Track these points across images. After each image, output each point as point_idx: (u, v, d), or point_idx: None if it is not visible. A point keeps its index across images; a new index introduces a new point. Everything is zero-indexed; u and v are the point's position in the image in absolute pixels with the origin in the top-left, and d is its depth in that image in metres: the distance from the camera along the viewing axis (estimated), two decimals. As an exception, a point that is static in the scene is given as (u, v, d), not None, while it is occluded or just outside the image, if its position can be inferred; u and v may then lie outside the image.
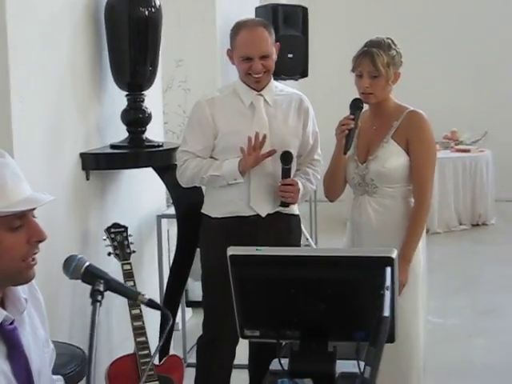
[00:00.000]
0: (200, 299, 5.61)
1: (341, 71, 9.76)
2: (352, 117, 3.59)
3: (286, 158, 3.68)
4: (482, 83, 10.52)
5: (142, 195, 4.61)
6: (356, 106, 3.62)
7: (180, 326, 5.30)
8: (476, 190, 9.29)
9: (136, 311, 3.61)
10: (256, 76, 3.68)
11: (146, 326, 3.66)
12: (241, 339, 2.69)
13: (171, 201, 5.37)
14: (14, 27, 3.17)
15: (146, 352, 3.59)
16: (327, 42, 10.09)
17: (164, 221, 4.91)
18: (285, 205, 3.76)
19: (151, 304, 2.01)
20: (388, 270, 2.06)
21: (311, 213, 8.18)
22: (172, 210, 5.00)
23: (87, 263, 2.01)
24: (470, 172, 9.24)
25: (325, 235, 8.17)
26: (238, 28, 3.73)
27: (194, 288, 5.90)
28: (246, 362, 4.34)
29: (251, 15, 7.01)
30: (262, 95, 3.76)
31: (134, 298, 2.02)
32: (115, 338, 4.27)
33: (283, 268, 2.56)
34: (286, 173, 3.71)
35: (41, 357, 2.12)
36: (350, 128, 3.58)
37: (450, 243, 8.36)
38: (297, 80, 7.01)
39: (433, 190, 3.74)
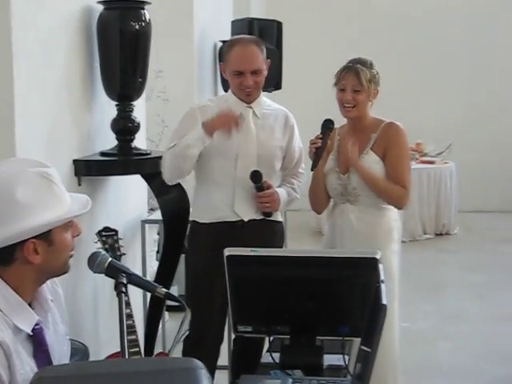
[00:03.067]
0: (176, 304, 5.84)
1: (312, 84, 10.14)
2: (320, 136, 3.80)
3: (256, 176, 3.86)
4: (447, 96, 10.80)
5: (126, 201, 4.78)
6: (326, 126, 3.83)
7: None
8: (440, 200, 9.54)
9: (127, 310, 3.76)
10: (247, 90, 3.88)
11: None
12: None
13: (151, 207, 5.57)
14: (17, 41, 3.33)
15: (137, 349, 3.75)
16: (300, 55, 10.31)
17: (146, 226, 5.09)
18: (267, 215, 3.96)
19: (168, 296, 2.21)
20: (381, 266, 2.27)
21: (281, 221, 8.35)
22: (154, 216, 5.20)
23: (110, 259, 2.22)
24: (434, 183, 9.48)
25: (294, 243, 8.36)
26: (232, 44, 3.93)
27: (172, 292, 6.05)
28: (225, 363, 4.55)
29: (227, 29, 7.22)
30: (251, 107, 3.95)
31: (152, 291, 2.22)
32: (102, 338, 4.44)
33: (276, 268, 2.77)
34: (258, 190, 3.89)
35: (60, 351, 2.28)
36: (317, 147, 3.79)
37: (414, 251, 8.58)
38: (270, 92, 7.17)
39: (410, 185, 3.91)
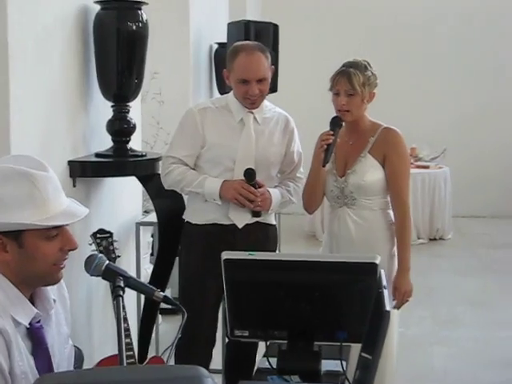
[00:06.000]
0: (169, 307, 5.80)
1: (308, 87, 10.13)
2: (332, 132, 3.78)
3: (249, 175, 3.83)
4: (441, 101, 10.80)
5: (121, 203, 4.74)
6: (335, 123, 3.81)
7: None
8: (434, 205, 9.53)
9: (122, 313, 3.71)
10: (252, 98, 3.83)
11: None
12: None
13: (145, 209, 5.53)
14: (13, 41, 3.28)
15: (131, 353, 3.71)
16: (296, 58, 10.30)
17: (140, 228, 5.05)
18: (256, 214, 3.92)
19: (166, 300, 2.18)
20: (382, 271, 2.24)
21: (275, 225, 8.32)
22: (149, 218, 5.16)
23: (107, 262, 2.18)
24: (428, 188, 9.47)
25: (287, 247, 8.33)
26: (237, 51, 3.85)
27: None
28: (219, 367, 4.51)
29: (223, 31, 7.19)
30: (252, 113, 3.91)
31: (150, 295, 2.19)
32: (95, 341, 4.40)
33: (274, 272, 2.74)
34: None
35: (61, 352, 2.27)
36: (328, 143, 3.78)
37: (408, 256, 8.54)
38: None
39: (409, 195, 3.91)
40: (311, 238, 9.44)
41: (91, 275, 2.21)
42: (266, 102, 4.00)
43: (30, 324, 2.13)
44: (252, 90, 3.80)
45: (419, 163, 9.62)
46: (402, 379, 4.68)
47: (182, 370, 1.29)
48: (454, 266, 8.39)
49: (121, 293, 2.11)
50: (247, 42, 4.27)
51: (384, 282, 2.09)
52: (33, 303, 2.17)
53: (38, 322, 2.16)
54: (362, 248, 3.75)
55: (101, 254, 2.20)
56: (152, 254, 6.03)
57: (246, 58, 3.81)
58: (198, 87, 7.31)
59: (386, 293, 1.98)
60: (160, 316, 5.95)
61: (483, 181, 10.75)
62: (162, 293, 2.18)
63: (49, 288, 2.24)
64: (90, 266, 2.20)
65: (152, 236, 5.94)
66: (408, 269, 3.81)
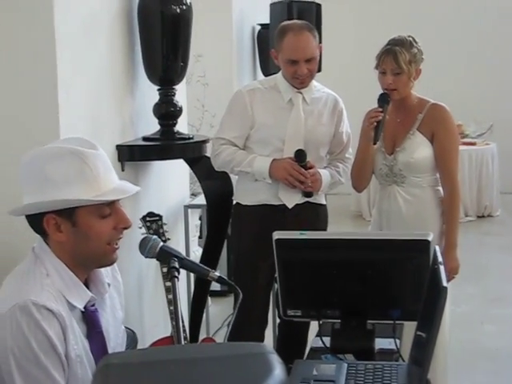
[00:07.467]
0: (218, 289, 5.82)
1: (352, 66, 10.07)
2: (380, 109, 3.76)
3: (300, 155, 3.83)
4: (488, 77, 10.63)
5: (169, 186, 4.77)
6: (384, 99, 3.78)
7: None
8: (482, 182, 9.44)
9: (171, 296, 3.74)
10: (301, 78, 3.84)
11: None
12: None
13: (192, 192, 5.56)
14: (60, 25, 3.30)
15: (184, 335, 3.73)
16: (340, 37, 10.23)
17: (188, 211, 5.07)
18: (307, 195, 3.92)
19: (221, 281, 2.18)
20: (437, 248, 2.23)
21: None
22: (196, 201, 5.19)
23: (161, 243, 2.19)
24: (475, 165, 9.38)
25: (334, 227, 8.29)
26: (285, 31, 3.85)
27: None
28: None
29: (266, 12, 7.17)
30: (301, 93, 3.91)
31: (205, 275, 2.19)
32: (146, 324, 4.43)
33: (325, 251, 2.72)
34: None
35: (116, 336, 2.28)
36: (378, 120, 3.75)
37: (456, 234, 8.48)
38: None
39: (458, 172, 3.89)
40: (358, 218, 9.41)
41: (146, 257, 2.22)
42: (314, 83, 3.99)
43: (84, 308, 2.14)
44: (301, 70, 3.81)
45: (466, 140, 9.50)
46: (453, 357, 4.64)
47: (247, 347, 1.29)
48: (502, 243, 8.31)
49: (176, 274, 2.12)
50: (295, 21, 4.24)
51: (440, 259, 2.07)
52: (87, 287, 2.18)
53: (93, 305, 2.18)
54: (412, 225, 3.73)
55: (155, 236, 2.21)
56: (200, 237, 6.06)
57: (294, 38, 3.80)
58: (241, 69, 7.31)
59: (442, 269, 1.96)
60: (209, 298, 5.99)
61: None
62: (216, 273, 2.19)
63: (103, 272, 2.24)
64: (145, 247, 2.21)
65: (200, 219, 5.96)
66: (455, 246, 3.77)
